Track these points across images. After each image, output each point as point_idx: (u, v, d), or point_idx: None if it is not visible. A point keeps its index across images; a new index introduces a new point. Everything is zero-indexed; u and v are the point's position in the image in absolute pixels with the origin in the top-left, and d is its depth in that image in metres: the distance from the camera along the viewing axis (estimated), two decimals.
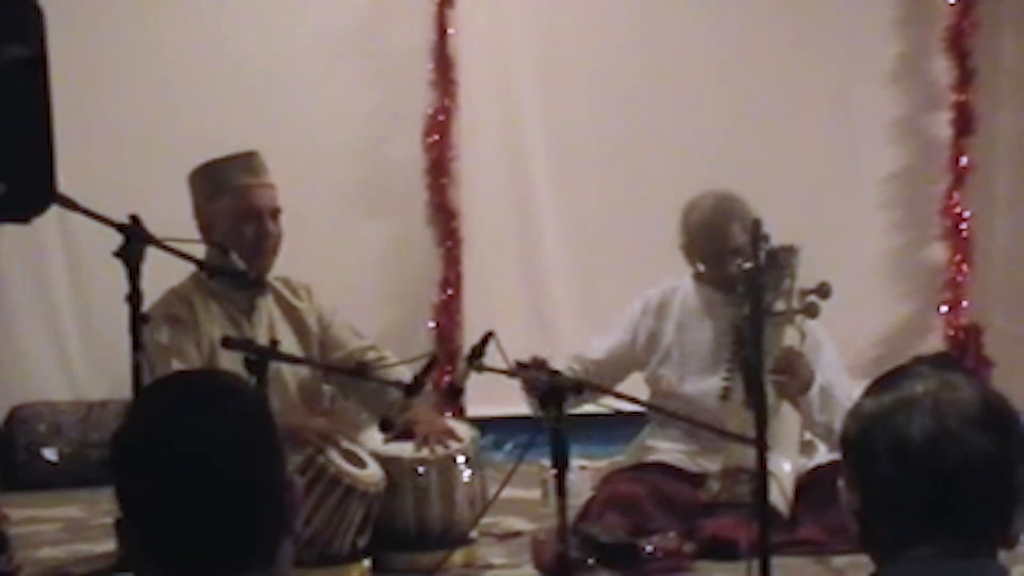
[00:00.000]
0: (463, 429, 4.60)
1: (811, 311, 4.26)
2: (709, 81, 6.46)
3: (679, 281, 4.67)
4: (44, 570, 4.53)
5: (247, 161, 4.44)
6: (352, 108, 6.31)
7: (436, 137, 6.30)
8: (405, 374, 4.36)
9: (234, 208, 4.34)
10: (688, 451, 4.52)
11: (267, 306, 4.46)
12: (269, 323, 4.43)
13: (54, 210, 3.29)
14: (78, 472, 5.68)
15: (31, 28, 3.07)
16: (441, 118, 6.31)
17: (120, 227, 3.61)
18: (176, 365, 4.12)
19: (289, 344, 4.32)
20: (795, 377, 4.24)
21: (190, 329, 4.31)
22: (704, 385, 4.49)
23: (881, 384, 1.87)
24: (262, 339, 4.17)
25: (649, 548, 4.13)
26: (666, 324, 4.62)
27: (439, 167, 6.32)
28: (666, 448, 4.55)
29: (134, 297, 3.60)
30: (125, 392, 4.10)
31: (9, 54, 3.04)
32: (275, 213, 4.43)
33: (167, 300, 4.30)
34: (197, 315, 4.35)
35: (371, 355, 4.50)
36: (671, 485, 4.42)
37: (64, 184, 3.24)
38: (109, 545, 4.47)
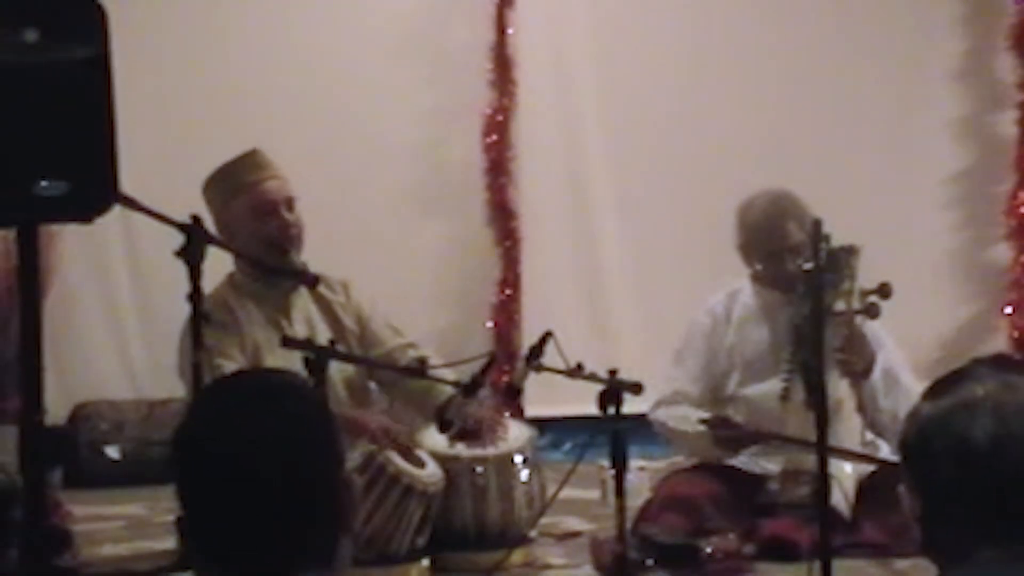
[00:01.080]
0: (521, 429, 4.60)
1: (872, 312, 4.22)
2: (769, 79, 6.42)
3: (738, 284, 4.64)
4: (106, 567, 4.56)
5: (251, 159, 4.45)
6: (411, 108, 6.32)
7: (495, 137, 6.30)
8: (447, 375, 4.37)
9: (250, 205, 4.35)
10: (748, 452, 4.49)
11: (303, 304, 4.47)
12: (307, 321, 4.44)
13: (117, 210, 3.31)
14: (140, 470, 5.72)
15: (94, 28, 3.09)
16: (500, 118, 6.30)
17: (181, 227, 3.64)
18: (223, 367, 4.13)
19: (329, 338, 4.31)
20: (859, 355, 4.20)
21: (232, 332, 4.33)
22: (764, 387, 4.46)
23: (940, 387, 1.85)
24: (303, 335, 4.18)
25: (708, 549, 4.11)
26: (728, 328, 4.59)
27: (498, 167, 6.32)
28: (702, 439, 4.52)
29: (195, 296, 3.63)
30: (186, 391, 4.13)
31: (72, 54, 3.06)
32: (289, 203, 4.42)
33: (205, 305, 4.30)
34: (238, 318, 4.36)
35: (411, 353, 4.50)
36: (731, 486, 4.40)
37: (126, 184, 3.26)
38: (170, 543, 4.50)
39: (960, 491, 1.79)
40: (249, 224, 4.34)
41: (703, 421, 4.32)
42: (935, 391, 1.85)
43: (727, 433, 4.31)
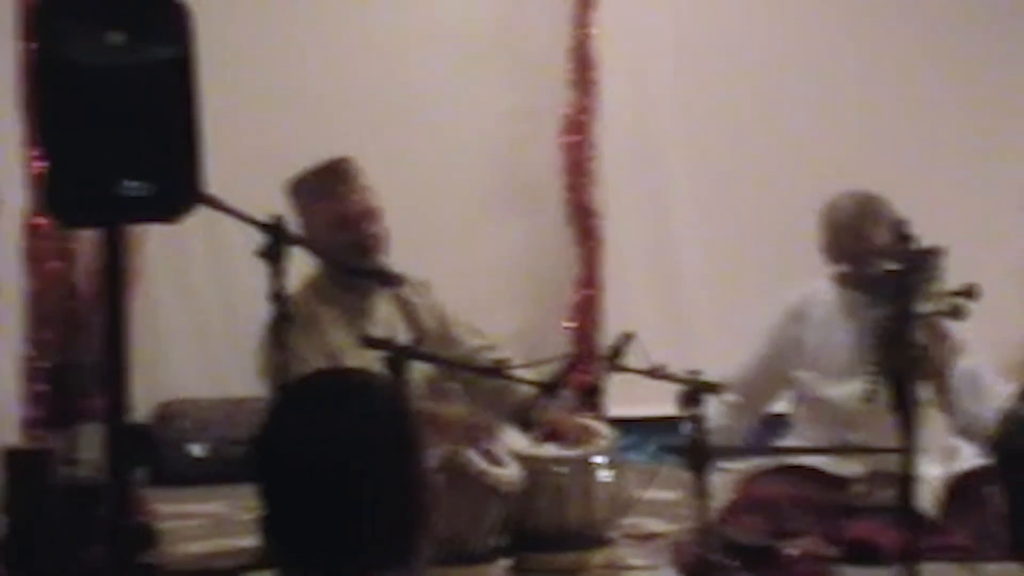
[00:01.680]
0: (602, 430, 4.58)
1: (958, 313, 4.17)
2: (850, 79, 6.37)
3: (817, 283, 4.60)
4: (189, 564, 4.60)
5: (337, 168, 4.42)
6: (491, 109, 6.33)
7: (575, 137, 6.30)
8: (526, 376, 4.36)
9: (331, 217, 4.34)
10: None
11: (384, 306, 4.47)
12: (387, 323, 4.44)
13: (200, 210, 3.34)
14: (223, 468, 5.76)
15: (179, 29, 3.12)
16: (580, 118, 6.30)
17: (264, 226, 3.66)
18: (301, 369, 4.15)
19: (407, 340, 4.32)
20: (943, 357, 4.15)
21: (313, 335, 4.34)
22: (846, 388, 4.41)
23: None
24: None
25: (790, 551, 4.08)
26: (806, 327, 4.55)
27: (578, 167, 6.31)
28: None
29: (277, 296, 3.65)
30: (268, 390, 4.16)
31: (157, 55, 3.09)
32: (373, 214, 4.40)
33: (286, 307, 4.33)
34: (318, 321, 4.37)
35: (491, 354, 4.50)
36: (813, 488, 4.36)
37: (209, 184, 3.29)
38: (252, 540, 4.52)
39: None
40: (331, 233, 4.34)
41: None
42: None
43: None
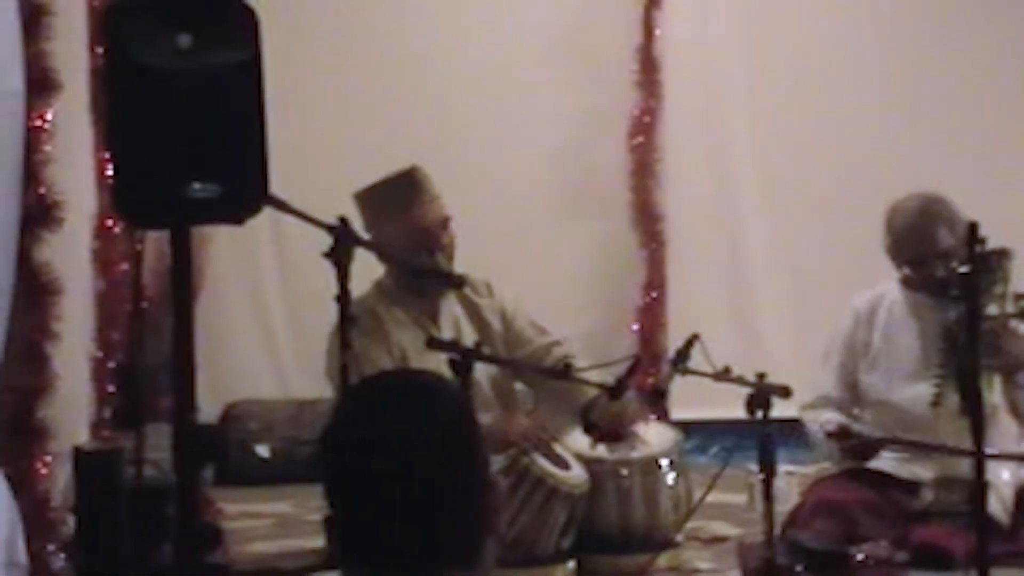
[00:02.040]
0: (667, 432, 4.56)
1: None
2: (919, 79, 6.31)
3: (886, 286, 4.56)
4: (256, 564, 4.63)
5: (407, 181, 4.42)
6: (558, 110, 6.33)
7: (641, 139, 6.28)
8: (592, 377, 4.35)
9: (403, 230, 4.34)
10: (900, 457, 4.40)
11: (450, 307, 4.48)
12: (454, 324, 4.45)
13: (267, 211, 3.36)
14: (289, 469, 5.80)
15: (246, 32, 3.13)
16: (646, 119, 6.28)
17: (330, 228, 3.67)
18: (368, 372, 4.16)
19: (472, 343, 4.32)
20: (1013, 359, 4.10)
21: (379, 337, 4.35)
22: (913, 392, 4.37)
23: None
24: (447, 339, 4.19)
25: (859, 556, 4.04)
26: (874, 331, 4.50)
27: (644, 169, 6.29)
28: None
29: (343, 298, 3.66)
30: (334, 392, 4.18)
31: (225, 58, 3.11)
32: (444, 223, 4.41)
33: (353, 310, 4.34)
34: (384, 323, 4.39)
35: (556, 351, 4.49)
36: (882, 492, 4.31)
37: (276, 185, 3.30)
38: (319, 541, 4.55)
39: None
40: (402, 244, 4.35)
41: (828, 434, 4.28)
42: None
43: (850, 443, 4.25)
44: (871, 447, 4.29)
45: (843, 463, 4.36)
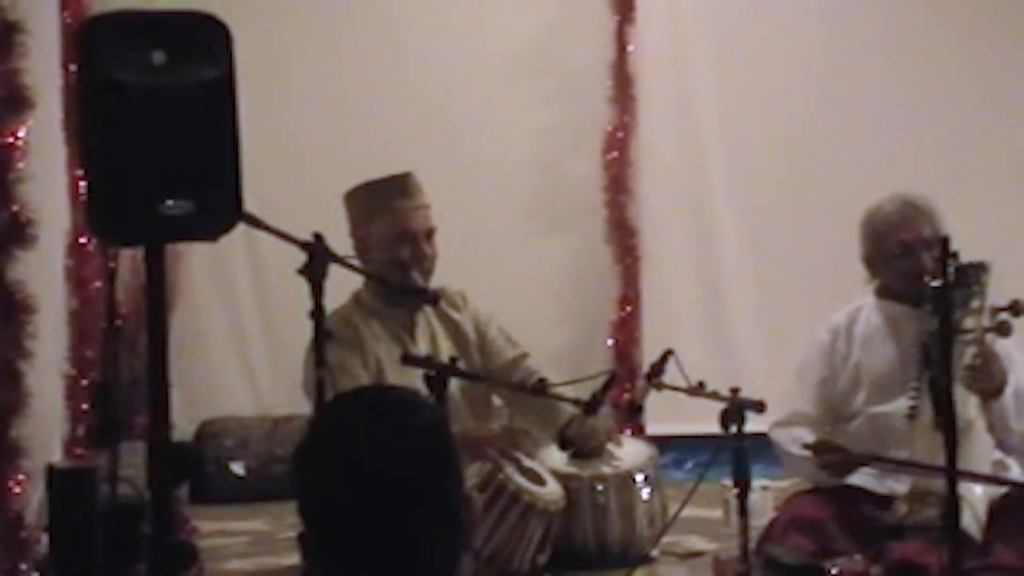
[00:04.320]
0: (642, 447, 4.57)
1: (1003, 330, 4.13)
2: (894, 91, 6.34)
3: (863, 301, 4.57)
4: None
5: (402, 183, 4.46)
6: (532, 126, 6.33)
7: (615, 154, 6.29)
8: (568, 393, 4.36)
9: (390, 231, 4.37)
10: (875, 472, 4.41)
11: (427, 320, 4.49)
12: (430, 337, 4.46)
13: (241, 228, 3.35)
14: (264, 486, 5.78)
15: (219, 49, 3.13)
16: (620, 135, 6.29)
17: (303, 245, 3.67)
18: (346, 384, 4.17)
19: (450, 355, 4.33)
20: (989, 375, 4.10)
21: (356, 349, 4.36)
22: (891, 406, 4.38)
23: None
24: (424, 353, 4.20)
25: (834, 571, 4.05)
26: (853, 344, 4.51)
27: (617, 184, 6.30)
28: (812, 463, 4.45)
29: (317, 314, 3.66)
30: (310, 408, 4.17)
31: (198, 75, 3.11)
32: (430, 234, 4.45)
33: (330, 322, 4.34)
34: (362, 335, 4.39)
35: (528, 363, 4.51)
36: (857, 507, 4.32)
37: (250, 202, 3.30)
38: (294, 559, 4.54)
39: None
40: (387, 246, 4.37)
41: (806, 446, 4.26)
42: None
43: (831, 459, 4.24)
44: (851, 464, 4.27)
45: (820, 479, 4.34)
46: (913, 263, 4.33)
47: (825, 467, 4.27)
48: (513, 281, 6.04)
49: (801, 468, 4.39)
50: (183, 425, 5.49)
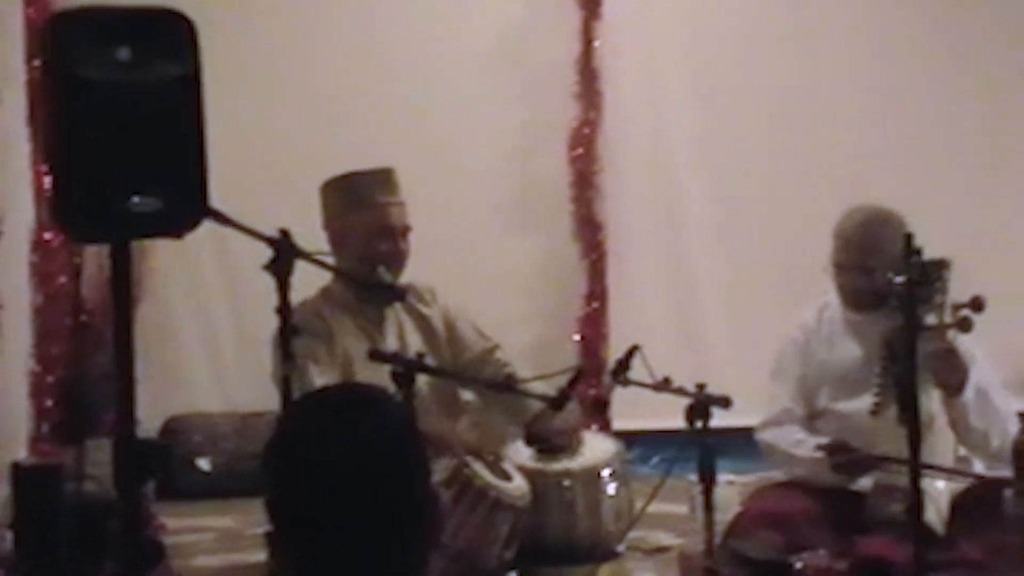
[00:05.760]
0: (609, 443, 4.58)
1: (964, 325, 4.15)
2: (862, 88, 6.37)
3: (829, 297, 4.59)
4: None
5: (384, 178, 4.47)
6: (500, 122, 6.34)
7: (581, 150, 6.30)
8: (536, 389, 4.37)
9: (370, 225, 4.37)
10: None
11: (396, 315, 4.50)
12: (399, 332, 4.46)
13: (210, 224, 3.35)
14: (232, 482, 5.76)
15: (185, 45, 3.13)
16: (586, 131, 6.30)
17: (270, 241, 3.67)
18: (314, 373, 4.17)
19: (419, 350, 4.33)
20: (951, 370, 4.13)
21: (325, 341, 4.36)
22: (856, 402, 4.40)
23: None
24: (393, 348, 4.21)
25: (799, 565, 4.07)
26: (821, 341, 4.54)
27: (584, 180, 6.31)
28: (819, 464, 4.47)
29: (283, 310, 3.65)
30: (279, 402, 4.16)
31: (164, 72, 3.10)
32: (406, 231, 4.46)
33: (298, 314, 4.34)
34: (331, 328, 4.39)
35: (498, 356, 4.52)
36: (824, 502, 4.34)
37: (217, 198, 3.29)
38: (262, 555, 4.53)
39: None
40: (364, 240, 4.37)
41: (820, 447, 4.26)
42: None
43: (844, 459, 4.24)
44: (866, 464, 4.25)
45: (832, 479, 4.32)
46: (871, 283, 4.35)
47: (839, 468, 4.26)
48: (482, 277, 6.05)
49: (811, 469, 4.36)
50: (151, 421, 5.48)
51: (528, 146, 6.39)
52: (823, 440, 4.29)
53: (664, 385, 3.89)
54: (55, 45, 3.10)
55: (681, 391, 3.86)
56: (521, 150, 6.39)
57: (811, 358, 4.50)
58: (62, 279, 5.12)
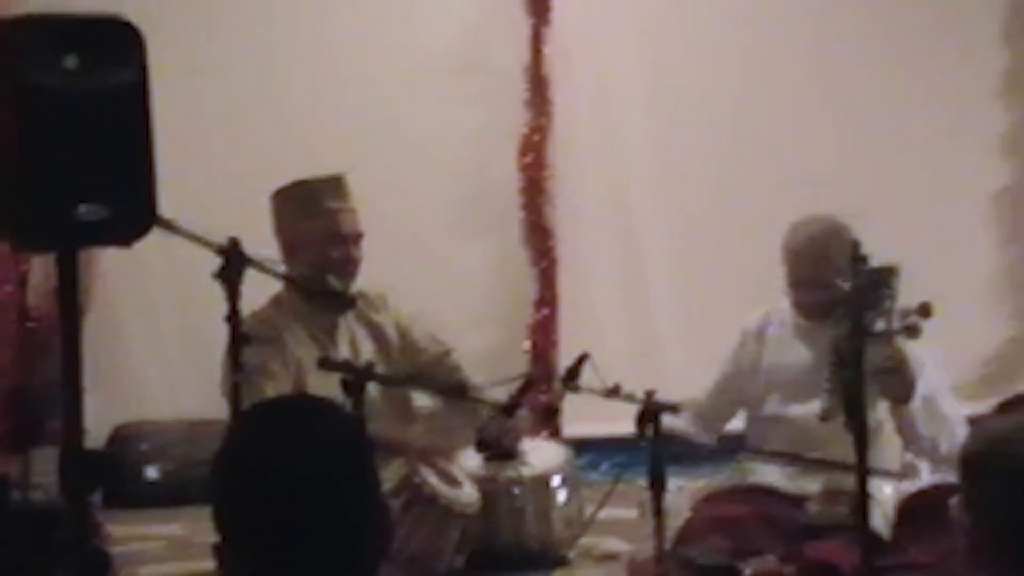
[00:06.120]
0: (558, 450, 4.59)
1: (912, 332, 4.18)
2: (813, 96, 6.41)
3: (778, 303, 4.62)
4: None
5: (334, 184, 4.46)
6: (451, 128, 6.34)
7: (531, 157, 6.31)
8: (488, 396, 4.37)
9: (322, 232, 4.36)
10: (788, 472, 4.46)
11: (347, 323, 4.49)
12: (351, 340, 4.45)
13: (159, 232, 3.33)
14: (181, 490, 5.73)
15: (132, 53, 3.11)
16: (536, 138, 6.31)
17: (219, 249, 3.65)
18: (265, 383, 4.15)
19: (371, 357, 4.33)
20: (899, 377, 4.16)
21: (276, 350, 4.34)
22: (806, 408, 4.43)
23: (1009, 406, 1.86)
24: (345, 356, 4.20)
25: (748, 571, 4.09)
26: (764, 347, 4.56)
27: (534, 186, 6.32)
28: (766, 469, 4.50)
29: (233, 318, 3.64)
30: (228, 411, 4.14)
31: (111, 79, 3.08)
32: (358, 238, 4.45)
33: (249, 323, 4.32)
34: (282, 336, 4.38)
35: (451, 360, 4.53)
36: (772, 507, 4.37)
37: (165, 207, 3.28)
38: (210, 564, 4.50)
39: (1014, 510, 1.78)
40: (317, 247, 4.35)
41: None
42: (1004, 409, 1.86)
43: (675, 448, 4.21)
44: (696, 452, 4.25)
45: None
46: (819, 295, 4.38)
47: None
48: (434, 283, 6.04)
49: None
50: (99, 429, 5.44)
51: (481, 152, 6.39)
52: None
53: (614, 392, 3.90)
54: (1, 52, 3.08)
55: (630, 398, 3.86)
56: (474, 156, 6.39)
57: (743, 359, 4.54)
58: (8, 287, 5.08)
